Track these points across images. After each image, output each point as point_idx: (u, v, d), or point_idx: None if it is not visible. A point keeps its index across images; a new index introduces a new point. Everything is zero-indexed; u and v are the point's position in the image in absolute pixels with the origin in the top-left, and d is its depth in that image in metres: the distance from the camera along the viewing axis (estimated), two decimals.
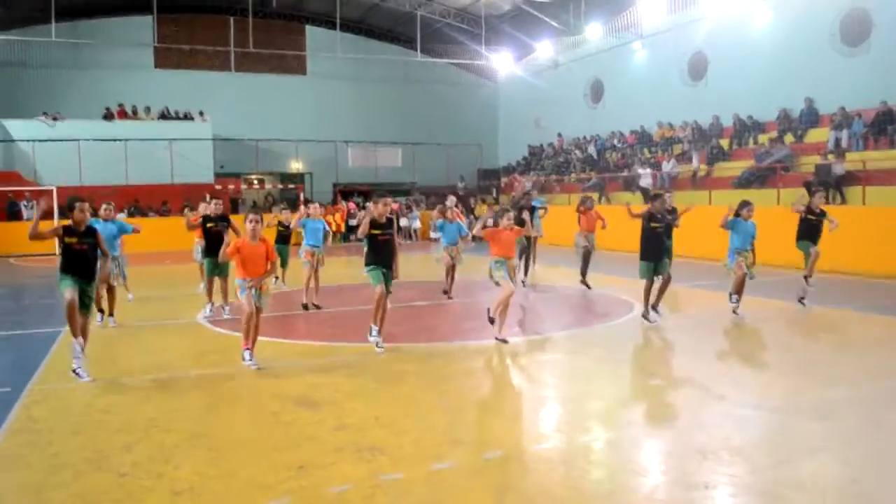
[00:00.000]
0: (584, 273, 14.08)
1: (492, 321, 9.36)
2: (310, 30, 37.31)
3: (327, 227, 13.19)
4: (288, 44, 35.88)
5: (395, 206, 12.68)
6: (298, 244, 13.01)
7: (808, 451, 5.46)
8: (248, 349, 8.02)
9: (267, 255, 8.14)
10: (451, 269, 13.41)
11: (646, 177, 22.96)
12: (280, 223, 15.38)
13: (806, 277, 11.62)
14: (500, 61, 36.66)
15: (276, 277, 14.55)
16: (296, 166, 36.65)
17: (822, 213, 11.60)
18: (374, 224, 8.76)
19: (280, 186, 35.00)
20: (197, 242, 14.38)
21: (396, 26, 37.45)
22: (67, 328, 7.67)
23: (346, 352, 9.02)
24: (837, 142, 20.19)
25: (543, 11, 31.49)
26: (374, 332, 8.80)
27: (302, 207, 16.89)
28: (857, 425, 5.98)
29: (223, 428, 6.15)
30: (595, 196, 17.21)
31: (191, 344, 9.85)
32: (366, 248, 8.88)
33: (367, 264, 8.84)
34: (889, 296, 13.08)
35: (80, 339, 7.51)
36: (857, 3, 21.01)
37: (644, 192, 22.23)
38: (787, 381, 7.54)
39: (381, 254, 8.78)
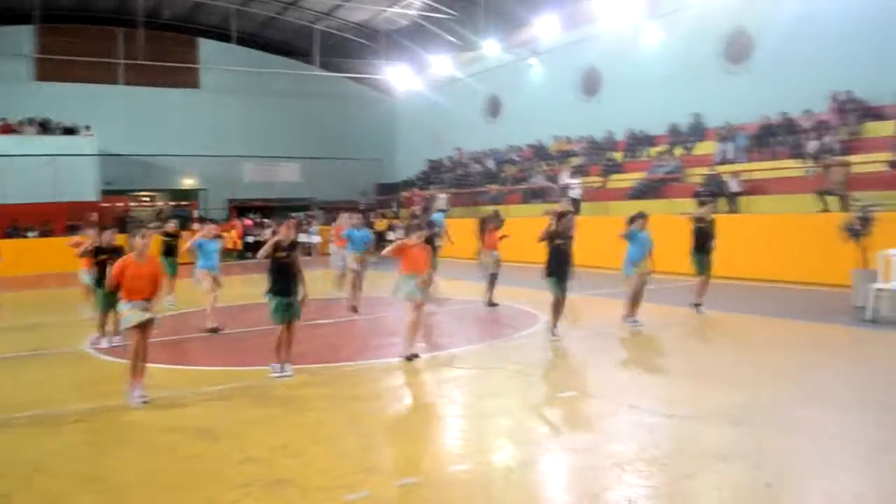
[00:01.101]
0: (490, 293, 14.00)
1: (408, 359, 9.08)
2: (203, 42, 36.22)
3: (221, 245, 12.60)
4: (180, 56, 34.67)
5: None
6: (190, 264, 12.43)
7: (722, 457, 5.49)
8: (135, 385, 7.37)
9: (154, 275, 7.63)
10: (356, 280, 13.16)
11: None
12: (167, 233, 14.82)
13: (696, 305, 12.11)
14: (399, 76, 36.61)
15: (168, 295, 13.94)
16: (189, 182, 35.38)
17: (712, 221, 12.14)
18: (278, 247, 8.41)
19: (172, 203, 33.68)
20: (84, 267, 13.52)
21: (294, 40, 36.82)
22: None
23: (249, 376, 8.56)
24: (724, 153, 21.08)
25: (441, 27, 31.67)
26: (277, 370, 8.39)
27: (196, 226, 16.24)
28: (765, 429, 6.07)
29: (115, 468, 5.64)
30: (500, 210, 17.17)
31: (76, 375, 9.13)
32: (269, 272, 8.49)
33: (271, 293, 8.41)
34: (775, 298, 13.64)
35: None
36: (740, 24, 22.07)
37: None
38: (695, 386, 7.65)
39: (286, 278, 8.40)
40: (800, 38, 19.92)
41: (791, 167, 18.49)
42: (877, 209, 11.97)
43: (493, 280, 13.97)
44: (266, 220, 29.97)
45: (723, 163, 20.64)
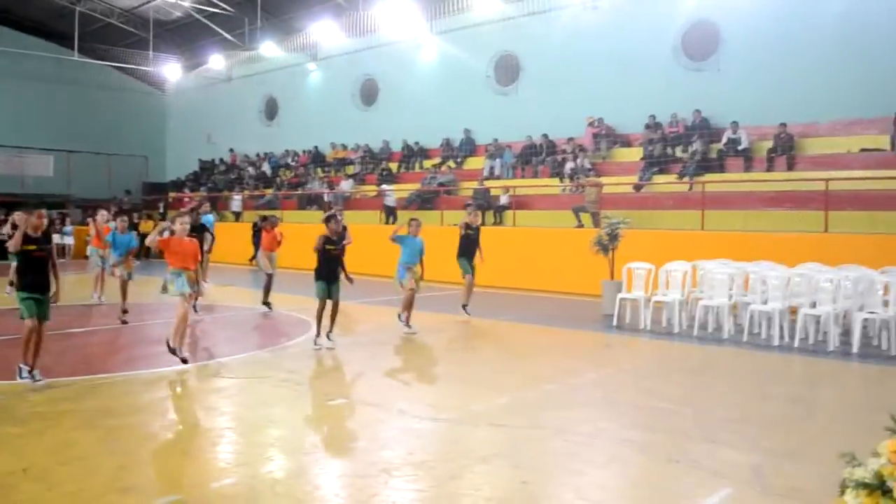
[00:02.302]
0: (266, 295, 13.73)
1: (174, 352, 8.68)
2: None
3: None
4: None
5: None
6: None
7: (483, 458, 5.77)
8: None
9: None
10: (123, 287, 12.29)
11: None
12: None
13: (464, 306, 12.85)
14: (170, 70, 34.66)
15: None
16: None
17: (477, 229, 12.93)
18: (27, 239, 7.67)
19: None
20: None
21: (50, 20, 33.44)
22: None
23: None
24: (492, 169, 22.29)
25: (216, 22, 30.48)
26: (26, 373, 7.66)
27: None
28: (523, 429, 6.47)
29: None
30: (277, 214, 16.91)
31: None
32: (17, 268, 7.74)
33: (19, 288, 7.67)
34: (536, 307, 14.62)
35: None
36: (508, 49, 23.47)
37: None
38: (461, 391, 7.99)
39: (37, 274, 7.73)
40: (562, 66, 21.57)
41: (551, 185, 19.97)
42: (623, 226, 13.24)
43: (268, 282, 13.71)
44: (13, 214, 27.02)
45: (490, 178, 21.83)
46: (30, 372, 7.72)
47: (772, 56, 17.67)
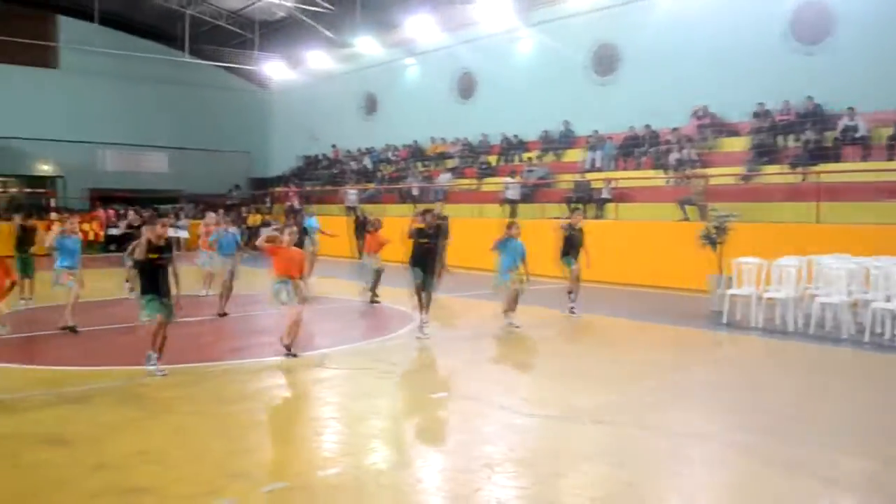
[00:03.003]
0: (374, 290, 14.00)
1: (288, 349, 8.95)
2: (63, 20, 33.83)
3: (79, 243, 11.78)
4: (36, 33, 32.18)
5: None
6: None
7: (586, 457, 5.65)
8: None
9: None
10: (226, 285, 12.70)
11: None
12: (21, 226, 13.79)
13: (570, 292, 12.66)
14: (273, 68, 35.68)
15: (24, 299, 13.01)
16: (45, 169, 33.08)
17: (581, 230, 12.74)
18: (151, 247, 8.03)
19: (27, 190, 31.31)
20: None
21: (163, 24, 35.02)
22: None
23: (106, 377, 8.09)
24: (592, 161, 21.88)
25: (317, 20, 31.15)
26: (154, 360, 8.04)
27: (52, 215, 15.17)
28: (627, 428, 6.31)
29: None
30: (380, 208, 17.16)
31: None
32: (139, 273, 8.14)
33: (143, 293, 8.09)
34: (640, 302, 14.26)
35: None
36: (607, 39, 22.93)
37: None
38: (563, 387, 7.86)
39: (159, 280, 8.10)
40: (663, 55, 20.92)
41: (654, 177, 19.43)
42: (731, 219, 12.73)
43: (377, 277, 13.95)
44: (129, 210, 28.48)
45: (591, 170, 21.42)
46: (157, 359, 8.06)
47: (891, 36, 16.58)
